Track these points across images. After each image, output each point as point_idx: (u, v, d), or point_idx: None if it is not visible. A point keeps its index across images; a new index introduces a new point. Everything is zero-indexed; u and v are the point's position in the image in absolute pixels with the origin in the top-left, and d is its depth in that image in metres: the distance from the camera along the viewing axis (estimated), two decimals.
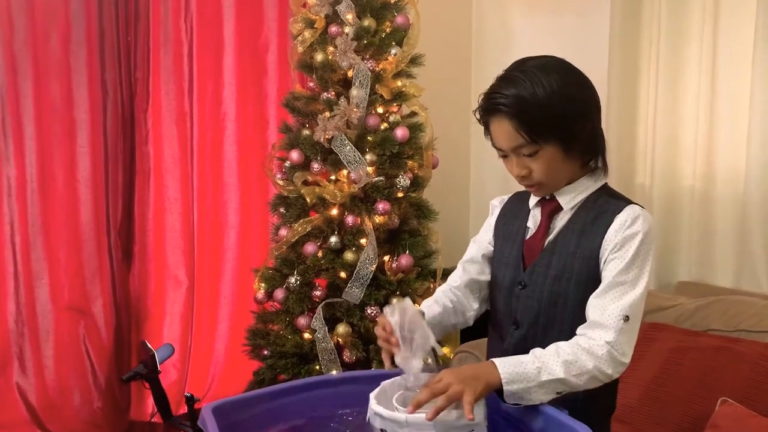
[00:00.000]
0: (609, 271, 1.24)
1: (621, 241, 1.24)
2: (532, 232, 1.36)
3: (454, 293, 1.45)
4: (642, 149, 2.60)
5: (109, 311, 2.88)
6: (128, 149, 2.85)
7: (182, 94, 2.90)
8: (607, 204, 1.29)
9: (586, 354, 1.19)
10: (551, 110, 1.23)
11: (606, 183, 1.35)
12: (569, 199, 1.32)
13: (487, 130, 1.32)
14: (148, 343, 1.50)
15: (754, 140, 2.21)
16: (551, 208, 1.34)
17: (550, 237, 1.33)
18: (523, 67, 1.28)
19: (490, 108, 1.28)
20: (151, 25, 2.81)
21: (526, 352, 1.26)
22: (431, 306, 1.42)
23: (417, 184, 2.63)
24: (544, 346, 1.24)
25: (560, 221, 1.33)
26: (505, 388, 1.14)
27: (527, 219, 1.39)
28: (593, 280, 1.26)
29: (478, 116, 1.32)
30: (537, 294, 1.31)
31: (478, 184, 3.51)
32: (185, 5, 2.86)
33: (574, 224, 1.31)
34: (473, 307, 1.45)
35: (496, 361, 1.17)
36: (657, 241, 2.47)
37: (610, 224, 1.26)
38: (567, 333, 1.26)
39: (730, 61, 2.28)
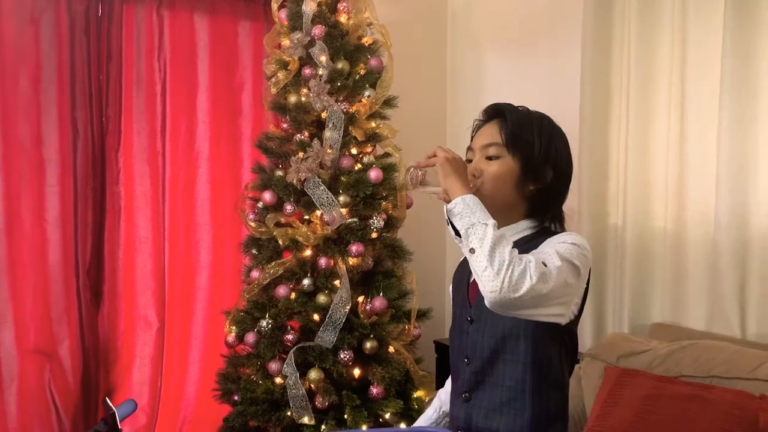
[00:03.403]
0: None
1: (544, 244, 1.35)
2: None
3: None
4: (614, 190, 2.62)
5: (77, 354, 2.80)
6: (99, 188, 2.81)
7: (155, 133, 2.88)
8: (540, 237, 1.39)
9: (515, 253, 1.23)
10: (535, 134, 1.40)
11: (547, 226, 1.45)
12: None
13: (472, 137, 1.46)
14: (108, 401, 1.46)
15: (722, 184, 2.24)
16: None
17: None
18: (536, 111, 1.46)
19: (496, 111, 1.43)
20: (124, 64, 2.79)
21: (477, 387, 1.39)
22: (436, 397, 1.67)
23: (391, 224, 2.63)
24: (494, 379, 1.37)
25: None
26: (448, 207, 1.29)
27: None
28: None
29: (479, 118, 1.47)
30: (482, 327, 1.40)
31: None
32: (158, 44, 2.85)
33: None
34: None
35: (469, 197, 1.27)
36: (630, 283, 2.51)
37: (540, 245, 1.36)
38: (516, 365, 1.35)
39: (698, 107, 2.32)
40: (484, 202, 1.33)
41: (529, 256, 1.23)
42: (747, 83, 2.17)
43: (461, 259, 1.58)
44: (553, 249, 1.30)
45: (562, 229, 1.44)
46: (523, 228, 1.42)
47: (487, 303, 1.22)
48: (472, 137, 1.48)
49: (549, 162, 1.40)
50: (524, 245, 1.36)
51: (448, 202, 1.30)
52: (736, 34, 2.16)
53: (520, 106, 1.45)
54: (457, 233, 1.26)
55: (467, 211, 1.24)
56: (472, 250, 1.22)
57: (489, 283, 1.19)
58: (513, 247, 1.23)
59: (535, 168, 1.39)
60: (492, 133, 1.41)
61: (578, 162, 2.65)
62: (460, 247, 1.27)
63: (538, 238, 1.38)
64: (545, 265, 1.23)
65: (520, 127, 1.40)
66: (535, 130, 1.40)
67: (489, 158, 1.39)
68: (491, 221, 1.23)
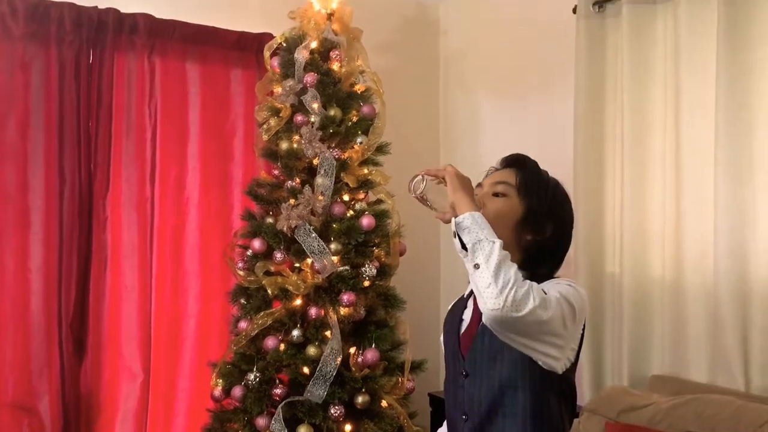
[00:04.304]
0: None
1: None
2: (467, 324, 1.43)
3: None
4: (610, 238, 2.59)
5: (57, 408, 2.69)
6: (85, 236, 2.74)
7: (144, 180, 2.83)
8: (538, 281, 1.34)
9: (520, 274, 1.22)
10: (548, 192, 1.40)
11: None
12: None
13: (486, 175, 1.47)
14: None
15: (720, 231, 2.21)
16: None
17: (481, 323, 1.35)
18: (551, 176, 1.46)
19: (517, 161, 1.44)
20: (114, 110, 2.76)
21: None
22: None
23: (384, 272, 2.57)
24: None
25: None
26: (457, 220, 1.26)
27: (463, 312, 1.47)
28: (526, 357, 1.28)
29: (498, 163, 1.48)
30: (479, 381, 1.35)
31: (449, 270, 3.45)
32: (149, 91, 2.83)
33: None
34: None
35: (477, 214, 1.26)
36: (628, 333, 2.45)
37: None
38: (515, 419, 1.30)
39: (693, 154, 2.30)
40: None
41: (531, 282, 1.23)
42: (741, 129, 2.16)
43: (450, 307, 1.55)
44: (551, 285, 1.30)
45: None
46: None
47: (485, 320, 1.21)
48: (488, 172, 1.49)
49: (552, 218, 1.39)
50: None
51: (446, 221, 1.31)
52: (730, 81, 2.17)
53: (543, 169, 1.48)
54: (464, 247, 1.25)
55: (475, 227, 1.24)
56: (476, 266, 1.21)
57: (491, 300, 1.18)
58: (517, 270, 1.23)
59: (538, 218, 1.38)
60: (506, 175, 1.42)
61: (573, 210, 2.64)
62: (464, 261, 1.25)
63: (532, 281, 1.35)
64: (545, 293, 1.23)
65: (535, 178, 1.41)
66: (550, 188, 1.42)
67: (496, 194, 1.39)
68: (498, 240, 1.23)
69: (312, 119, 2.52)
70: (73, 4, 2.64)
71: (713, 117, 2.22)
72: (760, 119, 2.15)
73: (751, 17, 2.16)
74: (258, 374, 2.35)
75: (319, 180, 2.48)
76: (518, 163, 1.45)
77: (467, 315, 1.45)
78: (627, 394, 2.18)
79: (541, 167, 1.48)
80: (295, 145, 2.53)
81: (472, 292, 1.46)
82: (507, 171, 1.43)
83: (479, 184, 1.45)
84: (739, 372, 2.17)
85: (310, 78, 2.54)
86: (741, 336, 2.17)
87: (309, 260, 2.43)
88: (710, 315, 2.26)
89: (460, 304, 1.51)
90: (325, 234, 2.46)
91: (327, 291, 2.44)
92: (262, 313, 2.42)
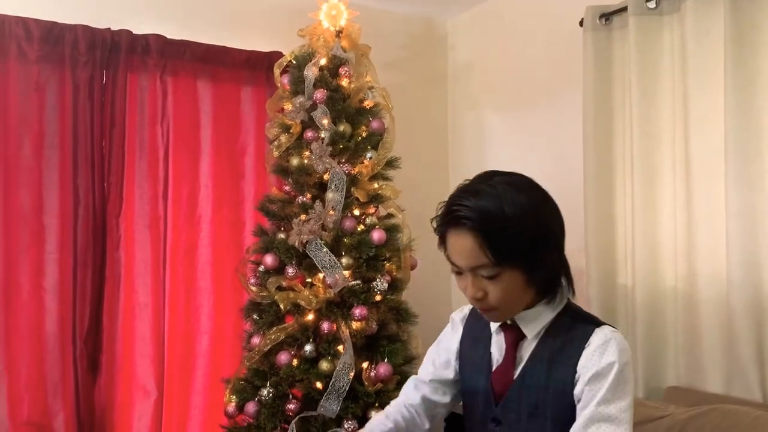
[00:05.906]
0: (586, 402, 1.15)
1: (596, 373, 1.15)
2: (498, 362, 1.28)
3: (408, 410, 1.40)
4: (622, 249, 2.58)
5: (71, 426, 2.70)
6: (99, 255, 2.77)
7: (156, 198, 2.86)
8: (573, 329, 1.21)
9: None
10: (520, 231, 1.13)
11: (568, 302, 1.26)
12: (532, 328, 1.23)
13: (442, 243, 1.20)
14: None
15: (732, 241, 2.19)
16: (514, 336, 1.26)
17: (519, 368, 1.24)
18: (490, 182, 1.18)
19: (451, 220, 1.16)
20: (127, 130, 2.80)
21: None
22: (383, 422, 1.36)
23: (395, 286, 2.57)
24: None
25: (526, 350, 1.25)
26: None
27: (490, 344, 1.30)
28: (571, 417, 1.17)
29: (434, 225, 1.22)
30: None
31: None
32: (162, 110, 2.87)
33: (542, 354, 1.22)
34: (425, 427, 1.39)
35: None
36: (642, 345, 2.43)
37: (581, 353, 1.18)
38: None
39: (703, 163, 2.29)
40: (500, 314, 1.21)
41: None
42: (751, 138, 2.16)
43: (465, 318, 1.39)
44: (617, 408, 1.13)
45: (573, 292, 1.28)
46: (545, 318, 1.22)
47: None
48: (442, 233, 1.21)
49: (545, 245, 1.18)
50: (557, 342, 1.20)
51: None
52: (738, 89, 2.16)
53: (478, 182, 1.20)
54: None
55: None
56: None
57: None
58: None
59: (539, 261, 1.17)
60: (473, 251, 1.14)
61: (584, 222, 2.64)
62: None
63: (567, 330, 1.20)
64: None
65: (502, 234, 1.13)
66: (519, 225, 1.13)
67: (487, 277, 1.18)
68: None
69: (322, 135, 2.54)
70: (87, 27, 2.69)
71: (722, 126, 2.21)
72: None
73: (758, 25, 2.16)
74: (271, 390, 2.35)
75: (329, 195, 2.49)
76: (465, 224, 1.14)
77: (496, 351, 1.28)
78: (643, 405, 2.16)
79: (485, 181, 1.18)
80: (305, 161, 2.55)
81: (499, 326, 1.28)
82: (468, 240, 1.14)
83: (457, 271, 1.20)
84: (755, 382, 2.14)
85: (319, 94, 2.57)
86: (756, 346, 2.15)
87: (321, 275, 2.44)
88: (724, 325, 2.24)
89: (482, 332, 1.31)
90: (336, 248, 2.47)
91: (339, 305, 2.44)
92: (274, 329, 2.42)
